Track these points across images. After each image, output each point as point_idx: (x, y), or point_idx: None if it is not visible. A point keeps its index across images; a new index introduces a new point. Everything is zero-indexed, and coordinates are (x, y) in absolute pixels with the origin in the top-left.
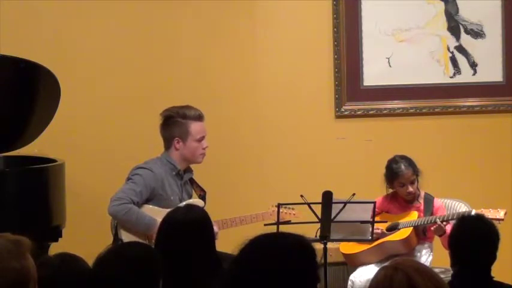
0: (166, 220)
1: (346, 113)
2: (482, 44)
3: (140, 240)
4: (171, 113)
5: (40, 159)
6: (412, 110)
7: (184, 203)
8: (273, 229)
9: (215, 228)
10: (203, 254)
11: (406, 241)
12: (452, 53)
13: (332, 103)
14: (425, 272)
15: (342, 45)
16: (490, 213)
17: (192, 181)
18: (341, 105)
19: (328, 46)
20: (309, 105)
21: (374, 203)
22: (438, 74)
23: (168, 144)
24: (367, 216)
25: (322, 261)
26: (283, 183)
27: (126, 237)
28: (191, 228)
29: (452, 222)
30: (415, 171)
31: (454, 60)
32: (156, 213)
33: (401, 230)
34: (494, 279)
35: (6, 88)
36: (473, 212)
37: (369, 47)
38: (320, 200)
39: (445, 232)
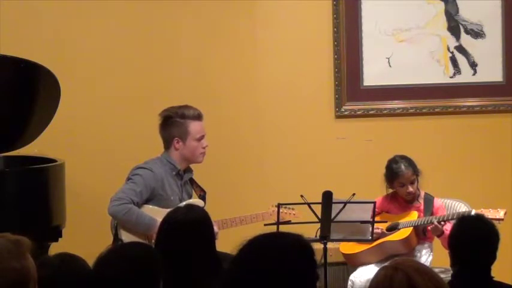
0: (166, 220)
1: (346, 113)
2: (482, 44)
3: (140, 240)
4: (170, 113)
5: (40, 159)
6: (412, 110)
7: (184, 203)
8: (273, 229)
9: (215, 228)
10: (203, 254)
11: (406, 241)
12: (452, 53)
13: (332, 103)
14: (425, 272)
15: (342, 45)
16: (490, 213)
17: (192, 181)
18: (341, 105)
19: (328, 46)
20: (309, 105)
21: (374, 203)
22: (438, 74)
23: (167, 144)
24: (367, 216)
25: (322, 261)
26: (283, 183)
27: (126, 237)
28: (191, 228)
29: (452, 222)
30: (415, 171)
31: (454, 60)
32: (156, 213)
33: (401, 230)
34: (494, 279)
35: (6, 88)
36: (473, 212)
37: (369, 47)
38: (320, 200)
39: (442, 232)
